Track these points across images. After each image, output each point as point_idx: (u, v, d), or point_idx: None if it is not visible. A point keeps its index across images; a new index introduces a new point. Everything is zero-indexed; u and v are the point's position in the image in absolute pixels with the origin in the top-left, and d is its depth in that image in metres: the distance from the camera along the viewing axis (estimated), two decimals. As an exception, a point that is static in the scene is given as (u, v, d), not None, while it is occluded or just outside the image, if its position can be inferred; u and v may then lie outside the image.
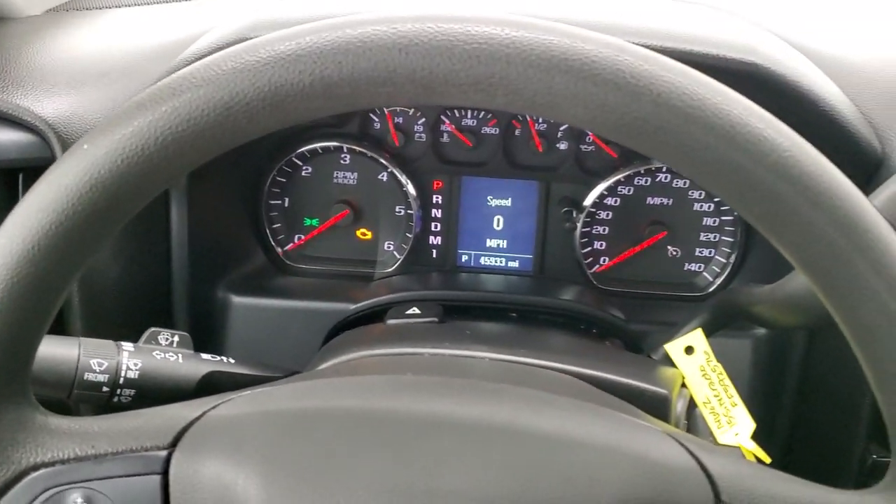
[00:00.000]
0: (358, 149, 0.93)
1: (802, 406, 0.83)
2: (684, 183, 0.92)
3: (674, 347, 0.70)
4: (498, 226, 0.96)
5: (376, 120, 0.93)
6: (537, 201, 0.94)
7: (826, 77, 0.73)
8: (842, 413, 0.78)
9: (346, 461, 0.44)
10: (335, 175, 0.95)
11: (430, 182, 0.95)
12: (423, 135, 0.93)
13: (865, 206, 0.41)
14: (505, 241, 0.96)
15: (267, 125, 0.43)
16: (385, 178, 0.94)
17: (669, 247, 0.94)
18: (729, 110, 0.40)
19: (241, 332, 0.89)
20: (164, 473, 0.45)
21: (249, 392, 0.51)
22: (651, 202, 0.93)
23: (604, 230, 0.94)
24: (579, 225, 0.92)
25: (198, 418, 0.47)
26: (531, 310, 0.86)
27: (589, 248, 0.94)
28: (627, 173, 0.90)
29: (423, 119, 0.93)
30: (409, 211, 0.95)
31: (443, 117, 0.93)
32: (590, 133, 0.92)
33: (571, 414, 0.50)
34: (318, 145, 0.92)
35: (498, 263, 0.97)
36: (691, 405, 0.69)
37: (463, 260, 0.97)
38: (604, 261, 0.95)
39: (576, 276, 0.95)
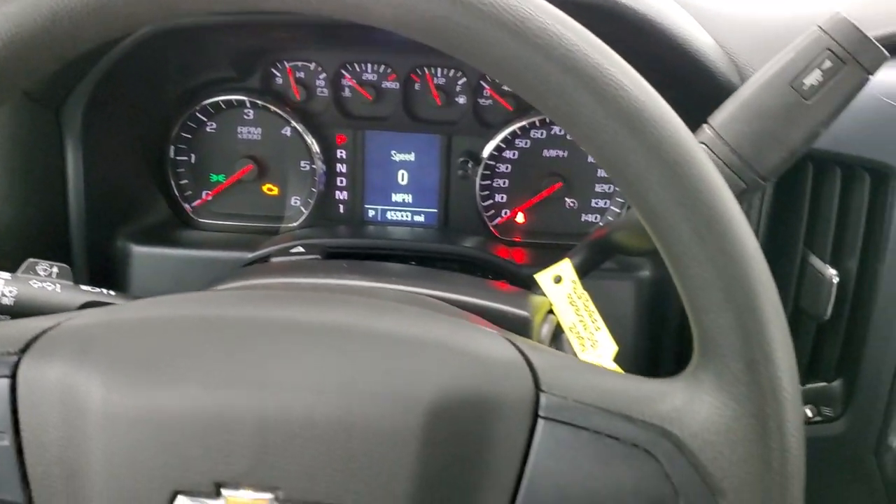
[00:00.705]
0: (261, 103, 0.94)
1: (684, 346, 0.85)
2: (579, 135, 0.94)
3: (543, 277, 0.72)
4: (403, 180, 0.98)
5: (278, 75, 0.95)
6: (439, 155, 0.96)
7: (691, 19, 0.76)
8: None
9: (184, 360, 0.46)
10: (239, 131, 0.97)
11: (334, 137, 0.97)
12: (324, 89, 0.95)
13: (650, 98, 0.43)
14: (410, 196, 0.98)
15: (93, 34, 0.44)
16: (289, 134, 0.96)
17: (567, 198, 0.96)
18: (519, 6, 0.42)
19: (142, 282, 0.90)
20: (13, 377, 0.47)
21: (106, 307, 0.53)
22: (547, 154, 0.95)
23: (503, 183, 0.96)
24: (478, 177, 0.94)
25: (52, 327, 0.49)
26: (428, 256, 0.88)
27: (490, 201, 0.96)
28: (522, 124, 0.92)
29: (324, 74, 0.95)
30: (313, 166, 0.96)
31: (343, 71, 0.95)
32: (487, 87, 0.94)
33: (408, 317, 0.52)
34: (220, 99, 0.94)
35: (404, 218, 0.99)
36: (558, 330, 0.71)
37: (370, 215, 0.99)
38: (504, 213, 0.97)
39: (479, 228, 0.97)
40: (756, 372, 0.44)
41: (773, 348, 0.44)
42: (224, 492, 0.45)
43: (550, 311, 0.72)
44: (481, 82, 0.94)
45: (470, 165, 0.93)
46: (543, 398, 0.47)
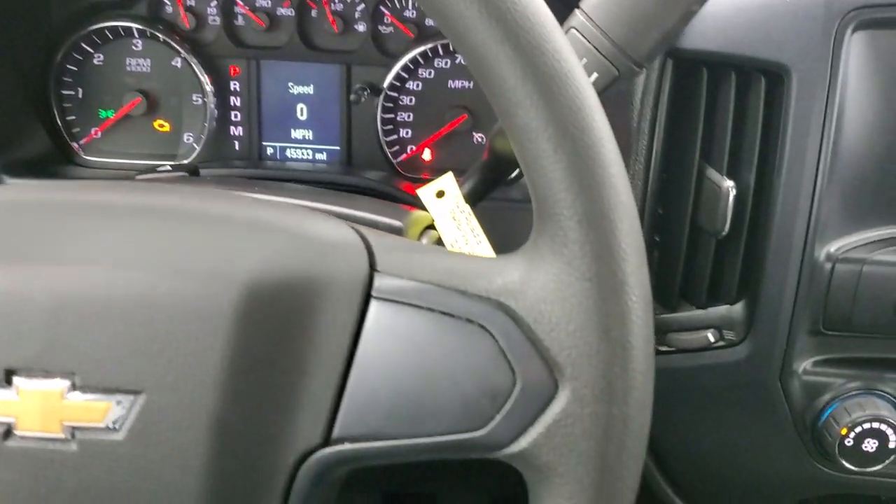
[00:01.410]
0: (149, 32, 0.89)
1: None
2: (485, 64, 0.90)
3: (425, 192, 0.68)
4: (302, 115, 0.93)
5: (167, 2, 0.90)
6: (339, 87, 0.91)
7: None
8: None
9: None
10: (128, 63, 0.91)
11: (226, 68, 0.91)
12: (215, 17, 0.90)
13: None
14: (311, 132, 0.93)
15: None
16: (179, 65, 0.91)
17: (474, 133, 0.91)
18: None
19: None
20: None
21: None
22: (452, 86, 0.91)
23: (408, 117, 0.92)
24: (378, 110, 0.90)
25: None
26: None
27: (394, 136, 0.92)
28: (423, 50, 0.88)
29: (215, 0, 0.90)
30: (205, 100, 0.91)
31: (234, -3, 0.90)
32: (387, 13, 0.90)
33: (238, 201, 0.48)
34: (105, 25, 0.89)
35: (305, 156, 0.94)
36: (439, 245, 0.67)
37: (268, 153, 0.94)
38: (410, 149, 0.92)
39: (383, 166, 0.92)
40: (589, 228, 0.40)
41: (608, 201, 0.40)
42: (15, 380, 0.41)
43: (432, 227, 0.67)
44: (381, 8, 0.89)
45: (366, 94, 0.88)
46: (378, 278, 0.43)
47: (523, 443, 0.41)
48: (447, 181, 0.68)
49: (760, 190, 0.69)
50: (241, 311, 0.41)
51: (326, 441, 0.42)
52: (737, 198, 0.68)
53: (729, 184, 0.68)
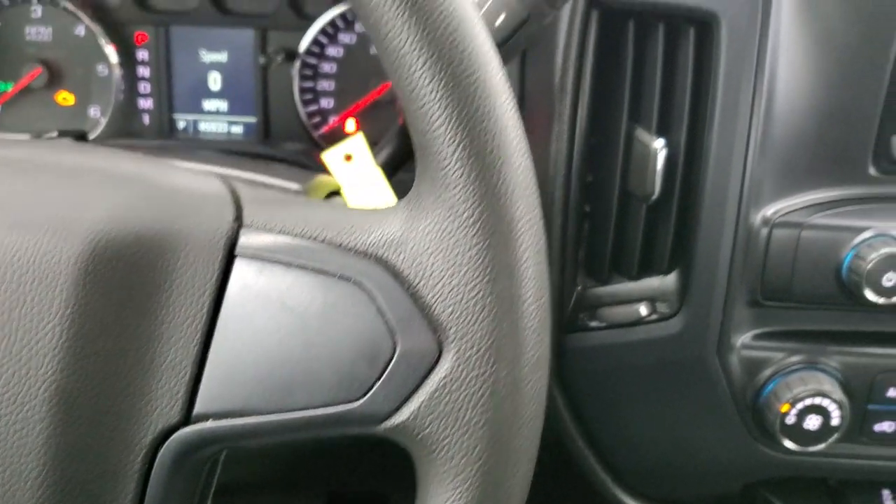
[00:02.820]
0: (47, -3, 0.83)
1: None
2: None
3: (331, 155, 0.62)
4: (215, 85, 0.87)
5: (66, -36, 0.84)
6: (254, 54, 0.86)
7: None
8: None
9: None
10: (27, 31, 0.85)
11: (133, 35, 0.85)
12: (119, -21, 0.84)
13: None
14: (225, 103, 0.87)
15: None
16: (82, 33, 0.85)
17: (401, 102, 0.86)
18: None
19: None
20: None
21: None
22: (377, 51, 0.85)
23: (329, 86, 0.86)
24: (296, 78, 0.84)
25: None
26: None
27: (314, 107, 0.86)
28: (343, 12, 0.82)
29: (118, -39, 0.84)
30: (111, 70, 0.85)
31: (138, -43, 0.84)
32: (303, -26, 0.84)
33: (100, 153, 0.43)
34: (-4, -10, 0.82)
35: (219, 129, 0.88)
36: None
37: (180, 126, 0.88)
38: (331, 120, 0.87)
39: (303, 139, 0.87)
40: (472, 167, 0.35)
41: (493, 135, 0.35)
42: None
43: (338, 194, 0.62)
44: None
45: (280, 59, 0.82)
46: (243, 234, 0.38)
47: (405, 413, 0.36)
48: (355, 144, 0.63)
49: (692, 150, 0.64)
50: (85, 268, 0.36)
51: (187, 419, 0.37)
52: (667, 158, 0.63)
53: (659, 143, 0.63)
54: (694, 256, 0.65)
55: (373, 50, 0.85)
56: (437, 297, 0.36)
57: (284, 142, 0.87)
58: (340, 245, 0.37)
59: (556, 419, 0.74)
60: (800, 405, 0.65)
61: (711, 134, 0.62)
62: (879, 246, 0.61)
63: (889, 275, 0.60)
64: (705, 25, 0.61)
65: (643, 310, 0.67)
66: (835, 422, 0.65)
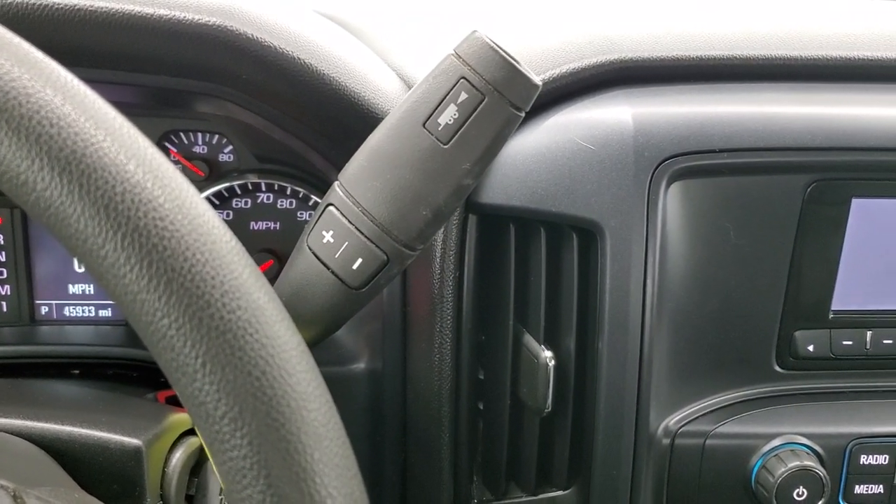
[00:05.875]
0: None
1: (404, 453, 0.69)
2: (290, 203, 0.79)
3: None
4: (81, 267, 0.80)
5: None
6: (122, 234, 0.79)
7: (353, 43, 0.65)
8: (429, 458, 0.65)
9: None
10: None
11: (-15, 218, 0.78)
12: (-32, 161, 0.77)
13: None
14: (91, 286, 0.80)
15: None
16: (-71, 217, 0.77)
17: (285, 278, 0.80)
18: None
19: None
20: None
21: None
22: (255, 227, 0.80)
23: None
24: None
25: None
26: (102, 363, 0.71)
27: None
28: (217, 190, 0.77)
29: (-33, 142, 0.77)
30: (-39, 255, 0.77)
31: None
32: (171, 150, 0.79)
33: None
34: None
35: (85, 314, 0.81)
36: (202, 457, 0.54)
37: (43, 312, 0.80)
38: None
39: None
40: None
41: None
42: None
43: (192, 432, 0.55)
44: (165, 144, 0.78)
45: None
46: None
47: None
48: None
49: (583, 358, 0.60)
50: None
51: None
52: (557, 369, 0.59)
53: (547, 355, 0.58)
54: (593, 472, 0.60)
55: (252, 226, 0.80)
56: None
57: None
58: None
59: None
60: None
61: (602, 342, 0.58)
62: (788, 458, 0.57)
63: (799, 490, 0.57)
64: (588, 233, 0.57)
65: (542, 528, 0.62)
66: None
